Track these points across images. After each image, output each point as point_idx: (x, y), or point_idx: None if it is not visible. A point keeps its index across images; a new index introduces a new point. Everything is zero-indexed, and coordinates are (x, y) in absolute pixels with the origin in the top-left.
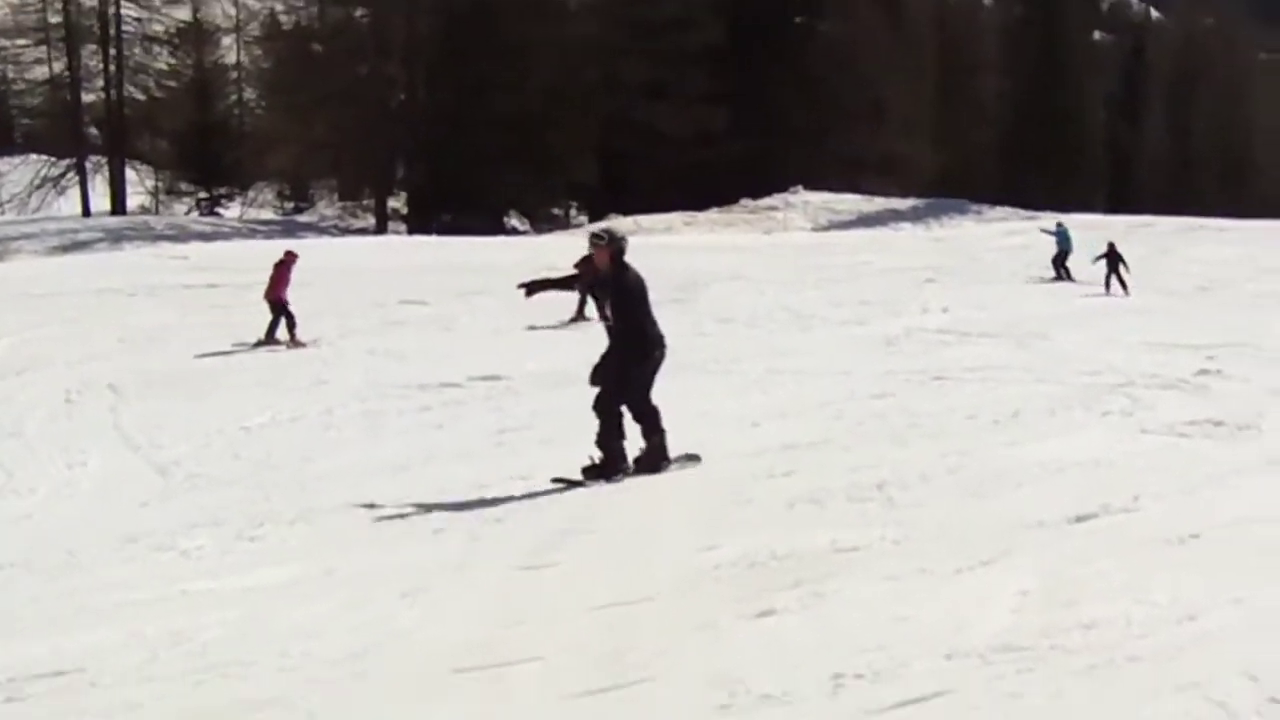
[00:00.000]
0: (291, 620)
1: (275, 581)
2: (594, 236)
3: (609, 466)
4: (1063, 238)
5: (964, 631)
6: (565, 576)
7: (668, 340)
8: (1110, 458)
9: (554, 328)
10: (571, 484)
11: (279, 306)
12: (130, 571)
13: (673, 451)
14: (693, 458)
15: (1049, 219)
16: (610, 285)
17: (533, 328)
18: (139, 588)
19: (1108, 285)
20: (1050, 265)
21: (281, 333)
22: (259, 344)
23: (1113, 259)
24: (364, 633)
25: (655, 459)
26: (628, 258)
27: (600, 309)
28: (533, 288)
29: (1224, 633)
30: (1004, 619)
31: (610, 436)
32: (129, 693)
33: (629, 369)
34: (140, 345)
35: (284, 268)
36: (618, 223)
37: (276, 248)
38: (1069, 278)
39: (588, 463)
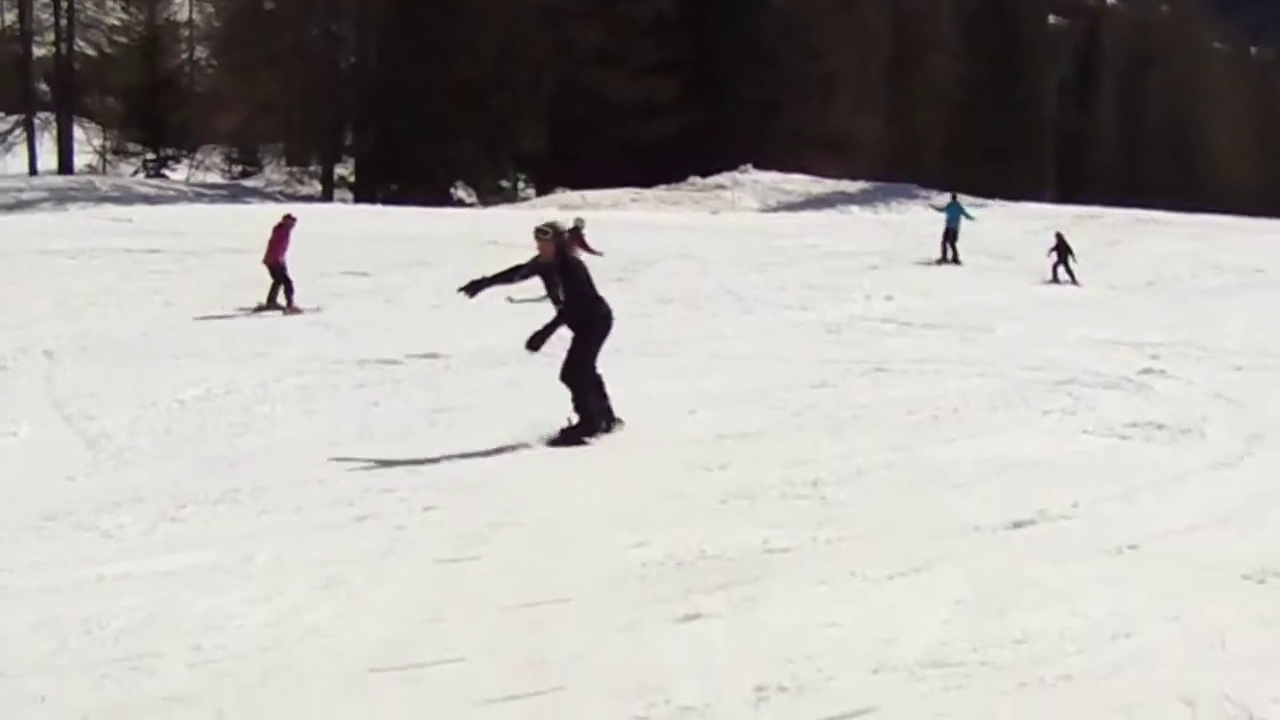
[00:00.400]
0: (206, 609)
1: (193, 566)
2: (538, 230)
3: (585, 426)
4: (952, 214)
5: (894, 643)
6: (489, 571)
7: (614, 312)
8: (1050, 459)
9: (534, 300)
10: (559, 443)
11: (278, 271)
12: (48, 551)
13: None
14: (618, 422)
15: (997, 207)
16: (558, 272)
17: (511, 300)
18: (55, 569)
19: (1055, 275)
20: (940, 245)
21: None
22: (259, 309)
23: (1061, 250)
24: (279, 626)
25: (605, 420)
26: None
27: (551, 293)
28: (475, 288)
29: (1160, 652)
30: (935, 630)
31: (582, 400)
32: (34, 684)
33: (585, 342)
34: (79, 310)
35: (282, 231)
36: (565, 196)
37: (221, 212)
38: (955, 259)
39: (566, 424)
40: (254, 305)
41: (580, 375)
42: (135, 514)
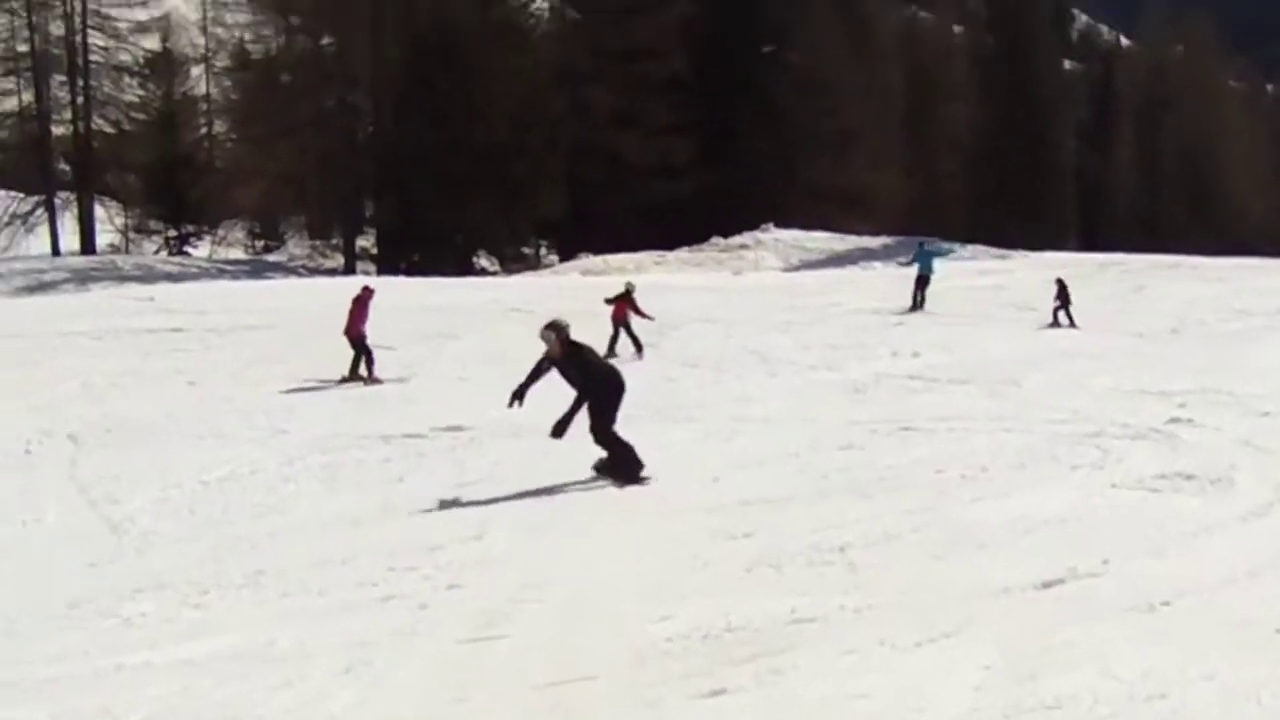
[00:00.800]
0: (226, 697)
1: (214, 653)
2: (543, 334)
3: (629, 465)
4: (923, 262)
5: (923, 712)
6: (513, 650)
7: (625, 380)
8: (1079, 515)
9: None
10: (625, 484)
11: (359, 343)
12: (69, 642)
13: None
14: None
15: (1020, 258)
16: (570, 363)
17: None
18: (75, 660)
19: (1055, 319)
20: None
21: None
22: (343, 380)
23: (1062, 295)
24: (300, 713)
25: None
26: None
27: (570, 382)
28: (519, 396)
29: (1195, 713)
30: (965, 697)
31: (617, 451)
32: None
33: (602, 407)
34: (102, 391)
35: (361, 303)
36: (588, 261)
37: (243, 289)
38: (920, 305)
39: (605, 465)
40: (337, 378)
41: (609, 433)
42: (157, 601)
